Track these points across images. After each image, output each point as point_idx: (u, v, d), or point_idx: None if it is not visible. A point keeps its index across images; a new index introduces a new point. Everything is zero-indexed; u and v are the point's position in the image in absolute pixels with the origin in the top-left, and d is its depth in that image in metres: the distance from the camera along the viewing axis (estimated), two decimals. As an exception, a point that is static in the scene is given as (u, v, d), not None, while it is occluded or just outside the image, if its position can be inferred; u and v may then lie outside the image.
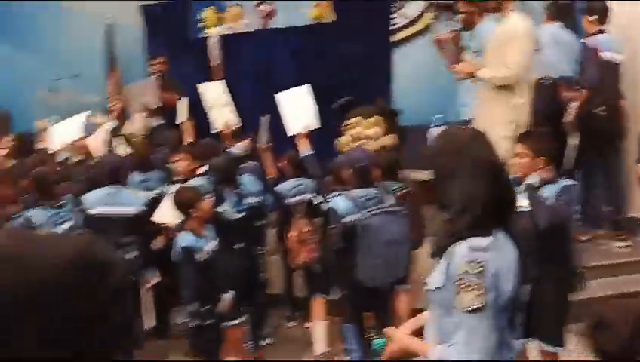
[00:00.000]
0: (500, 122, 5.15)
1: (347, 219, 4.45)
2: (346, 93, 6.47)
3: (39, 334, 0.89)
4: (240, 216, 5.13)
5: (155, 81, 7.32)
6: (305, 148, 5.64)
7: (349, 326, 4.60)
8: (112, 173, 5.24)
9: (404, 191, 5.13)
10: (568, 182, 4.18)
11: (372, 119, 5.63)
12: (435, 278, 2.32)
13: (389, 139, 5.61)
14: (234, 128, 5.95)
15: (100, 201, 5.09)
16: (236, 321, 4.83)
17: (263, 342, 5.78)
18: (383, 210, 4.51)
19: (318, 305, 5.56)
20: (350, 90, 6.75)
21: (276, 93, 6.02)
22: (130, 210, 5.17)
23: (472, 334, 2.17)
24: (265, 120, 5.96)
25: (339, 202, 4.52)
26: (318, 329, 5.54)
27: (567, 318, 4.09)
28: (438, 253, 2.34)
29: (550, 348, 4.07)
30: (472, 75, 5.43)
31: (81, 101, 7.58)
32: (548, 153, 4.09)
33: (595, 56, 6.03)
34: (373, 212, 4.42)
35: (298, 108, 5.85)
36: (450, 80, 6.07)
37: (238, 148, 5.85)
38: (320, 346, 5.53)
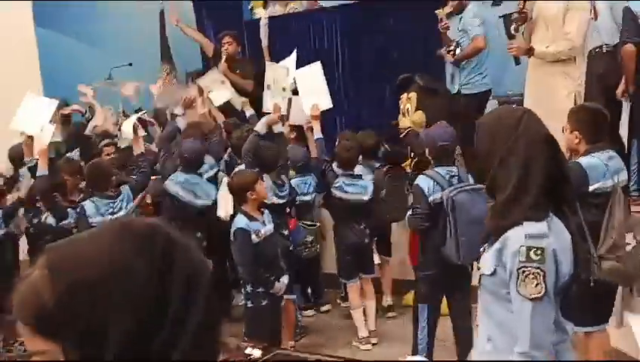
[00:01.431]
0: (560, 95, 5.05)
1: (432, 198, 4.40)
2: (401, 71, 6.45)
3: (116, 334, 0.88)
4: (282, 201, 5.25)
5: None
6: (316, 131, 5.63)
7: (424, 306, 4.59)
8: (195, 162, 5.48)
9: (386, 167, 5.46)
10: (597, 157, 3.87)
11: (410, 94, 5.66)
12: (487, 263, 2.28)
13: (415, 117, 5.62)
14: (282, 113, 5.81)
15: (181, 185, 5.35)
16: (288, 297, 5.04)
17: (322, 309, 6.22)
18: (468, 187, 4.45)
19: (354, 290, 5.64)
20: (404, 67, 6.73)
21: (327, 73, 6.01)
22: (202, 202, 5.42)
23: (536, 320, 2.15)
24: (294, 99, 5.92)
25: (423, 181, 4.47)
26: (357, 314, 5.64)
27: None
28: (490, 237, 2.32)
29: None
30: (529, 52, 5.31)
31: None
32: (582, 127, 3.92)
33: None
34: (458, 190, 4.36)
35: (311, 87, 5.74)
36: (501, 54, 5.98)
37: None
38: (362, 330, 5.63)
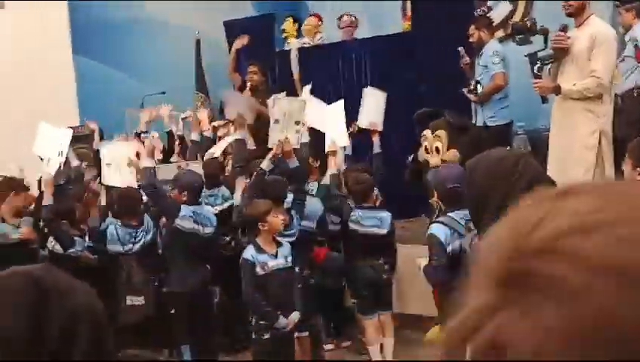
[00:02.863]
0: (582, 132, 4.91)
1: (450, 248, 4.09)
2: (429, 105, 6.39)
3: None
4: (289, 240, 5.12)
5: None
6: (330, 166, 5.63)
7: None
8: (198, 193, 5.44)
9: None
10: None
11: (437, 132, 5.55)
12: None
13: (450, 155, 5.49)
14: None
15: (192, 219, 5.27)
16: (299, 334, 4.93)
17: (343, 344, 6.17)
18: None
19: (371, 326, 5.52)
20: (432, 100, 6.68)
21: (352, 104, 6.06)
22: (208, 230, 5.37)
23: None
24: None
25: (439, 229, 4.17)
26: (374, 351, 5.53)
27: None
28: None
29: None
30: (555, 91, 5.19)
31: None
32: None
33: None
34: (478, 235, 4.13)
35: (332, 124, 5.89)
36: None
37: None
38: None
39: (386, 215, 5.49)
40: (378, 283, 5.46)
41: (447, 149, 5.59)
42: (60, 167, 5.48)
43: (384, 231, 5.44)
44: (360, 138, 6.37)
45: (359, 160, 6.47)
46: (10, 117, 7.58)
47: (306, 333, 5.21)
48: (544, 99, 5.41)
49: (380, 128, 6.09)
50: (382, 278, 5.46)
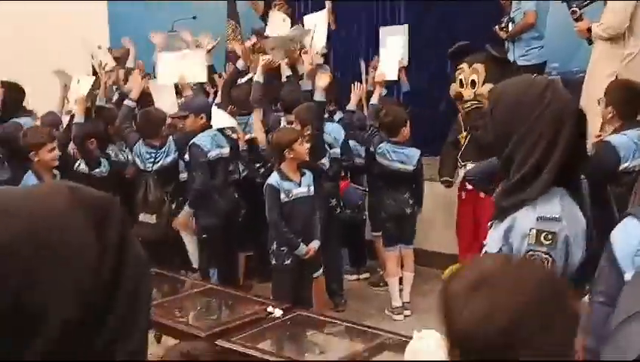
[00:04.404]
0: (601, 74, 4.80)
1: None
2: (463, 40, 6.24)
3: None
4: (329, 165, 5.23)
5: None
6: (374, 97, 5.58)
7: None
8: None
9: None
10: (628, 135, 3.89)
11: (475, 65, 5.38)
12: (493, 242, 2.15)
13: (484, 89, 5.35)
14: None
15: (212, 144, 5.29)
16: (317, 273, 4.96)
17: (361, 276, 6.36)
18: None
19: (392, 259, 5.57)
20: (467, 37, 6.52)
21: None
22: (226, 149, 5.39)
23: None
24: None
25: None
26: (392, 283, 5.61)
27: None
28: (499, 215, 2.20)
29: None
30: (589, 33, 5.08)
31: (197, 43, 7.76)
32: (617, 102, 3.99)
33: None
34: None
35: (388, 54, 5.80)
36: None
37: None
38: (396, 300, 5.60)
39: (415, 152, 5.45)
40: (401, 217, 5.48)
41: (483, 84, 5.44)
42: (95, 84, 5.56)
43: (410, 167, 5.42)
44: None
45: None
46: (41, 33, 7.57)
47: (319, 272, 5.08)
48: (589, 41, 5.27)
49: (405, 63, 5.96)
50: (405, 212, 5.48)
